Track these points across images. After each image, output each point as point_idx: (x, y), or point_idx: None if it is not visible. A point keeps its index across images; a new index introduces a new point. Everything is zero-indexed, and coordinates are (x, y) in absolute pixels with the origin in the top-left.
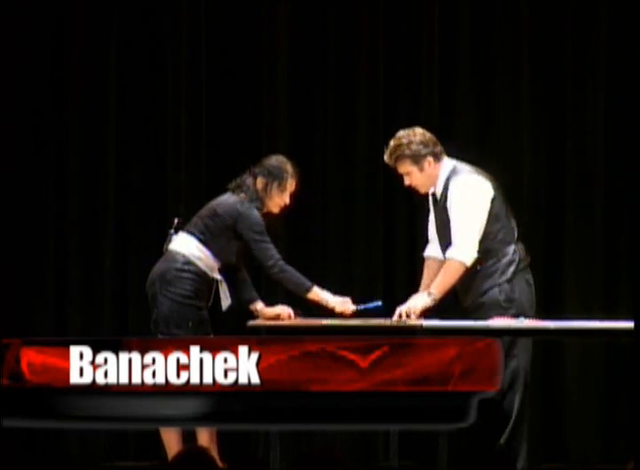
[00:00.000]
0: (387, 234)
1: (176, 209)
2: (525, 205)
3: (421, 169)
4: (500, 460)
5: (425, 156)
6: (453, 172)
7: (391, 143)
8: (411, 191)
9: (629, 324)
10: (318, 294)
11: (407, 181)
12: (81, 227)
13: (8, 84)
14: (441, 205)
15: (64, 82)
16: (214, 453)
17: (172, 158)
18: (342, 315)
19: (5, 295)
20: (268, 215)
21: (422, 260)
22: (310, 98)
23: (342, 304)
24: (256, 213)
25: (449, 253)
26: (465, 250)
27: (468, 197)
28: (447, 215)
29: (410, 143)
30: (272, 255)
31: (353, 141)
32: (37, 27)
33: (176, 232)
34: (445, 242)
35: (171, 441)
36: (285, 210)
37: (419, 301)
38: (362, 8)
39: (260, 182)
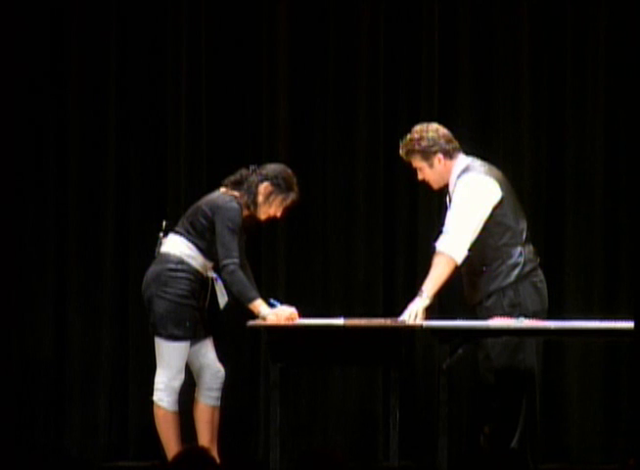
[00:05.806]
0: (387, 234)
1: (177, 210)
2: (526, 205)
3: (431, 166)
4: (513, 462)
5: (435, 152)
6: (464, 171)
7: (406, 137)
8: (424, 186)
9: (629, 324)
10: (258, 307)
11: (420, 176)
12: (81, 228)
13: (8, 83)
14: (449, 204)
15: (64, 82)
16: (214, 453)
17: (172, 158)
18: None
19: (5, 295)
20: (252, 220)
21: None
22: (310, 98)
23: (275, 315)
24: (238, 212)
25: (441, 244)
26: (456, 246)
27: (470, 195)
28: None
29: (421, 139)
30: (232, 255)
31: (353, 141)
32: (37, 26)
33: (165, 235)
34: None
35: (170, 441)
36: (268, 221)
37: (416, 305)
38: (362, 7)
39: (267, 187)
